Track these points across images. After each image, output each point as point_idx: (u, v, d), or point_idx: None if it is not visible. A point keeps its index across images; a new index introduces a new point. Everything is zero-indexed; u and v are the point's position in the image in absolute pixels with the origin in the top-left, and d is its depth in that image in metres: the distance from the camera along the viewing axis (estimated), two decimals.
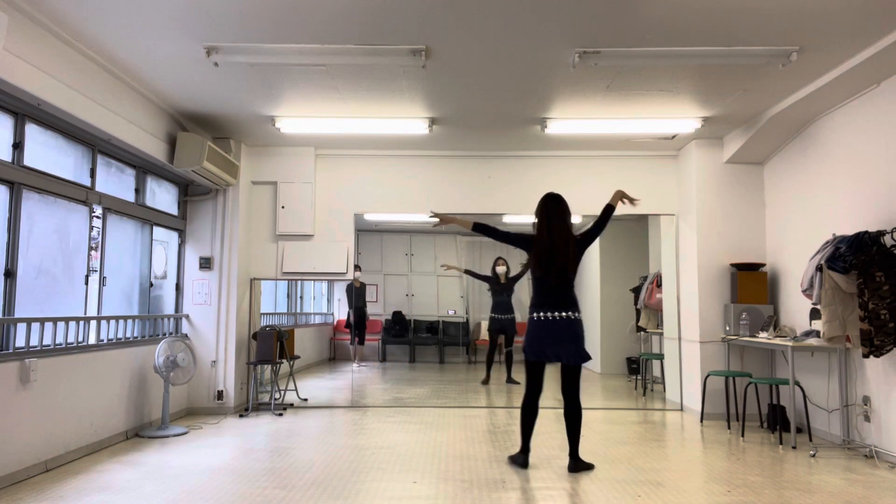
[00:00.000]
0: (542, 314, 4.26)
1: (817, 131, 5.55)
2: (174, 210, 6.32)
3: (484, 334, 12.04)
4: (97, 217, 5.05)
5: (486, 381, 8.83)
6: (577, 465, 4.28)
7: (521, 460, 4.35)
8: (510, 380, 8.87)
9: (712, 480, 4.08)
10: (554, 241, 4.26)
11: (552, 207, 4.36)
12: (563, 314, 4.23)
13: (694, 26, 4.00)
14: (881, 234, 4.52)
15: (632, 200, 4.54)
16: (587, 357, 4.28)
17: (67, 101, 4.20)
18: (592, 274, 10.53)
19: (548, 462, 4.50)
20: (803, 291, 4.98)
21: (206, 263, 6.45)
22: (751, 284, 6.18)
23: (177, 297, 6.37)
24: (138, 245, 5.74)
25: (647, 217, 8.57)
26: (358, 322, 11.04)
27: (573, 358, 4.24)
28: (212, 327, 6.39)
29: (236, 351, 6.41)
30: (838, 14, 3.84)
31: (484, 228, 4.46)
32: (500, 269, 8.79)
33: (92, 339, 4.95)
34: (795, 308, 5.87)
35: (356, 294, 11.04)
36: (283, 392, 7.27)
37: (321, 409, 6.74)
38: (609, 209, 4.49)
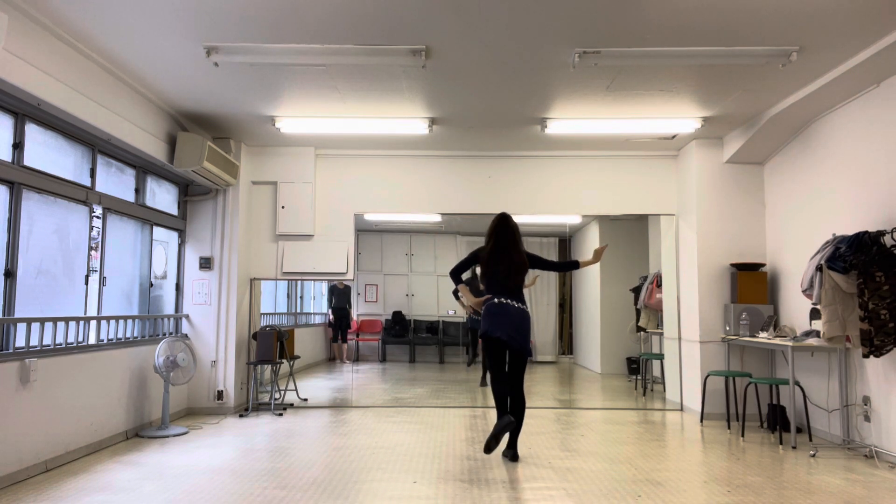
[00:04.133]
0: (496, 299, 4.57)
1: (817, 131, 5.55)
2: (174, 210, 6.32)
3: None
4: (97, 217, 5.05)
5: (484, 383, 8.84)
6: (516, 455, 4.54)
7: (505, 421, 4.33)
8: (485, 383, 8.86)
9: (712, 480, 4.09)
10: (495, 252, 4.62)
11: (504, 225, 4.71)
12: (516, 303, 4.57)
13: (694, 26, 4.00)
14: (881, 234, 4.52)
15: (598, 258, 5.00)
16: (530, 350, 4.67)
17: (67, 101, 4.20)
18: (592, 274, 10.53)
19: (548, 462, 4.50)
20: (803, 291, 4.98)
21: (206, 263, 6.45)
22: (751, 284, 6.17)
23: (177, 297, 6.37)
24: (138, 245, 5.75)
25: (647, 217, 8.57)
26: (339, 322, 11.22)
27: (519, 343, 4.51)
28: (212, 327, 6.39)
29: (236, 351, 6.41)
30: (838, 14, 3.85)
31: (458, 273, 4.80)
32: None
33: (92, 339, 4.95)
34: (795, 308, 5.87)
35: (338, 295, 11.23)
36: (283, 392, 7.27)
37: (321, 409, 6.74)
38: (574, 265, 4.99)
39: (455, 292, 9.40)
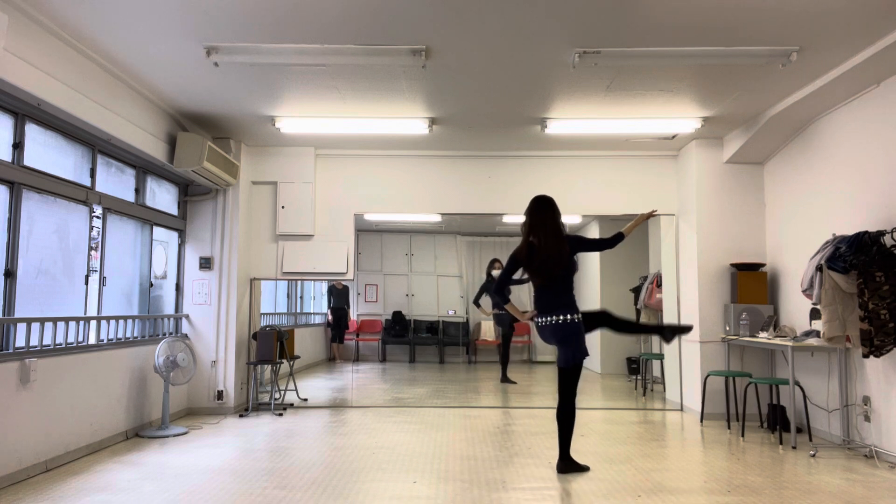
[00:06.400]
0: (539, 319, 4.28)
1: (817, 131, 5.55)
2: (174, 210, 6.32)
3: (484, 334, 12.05)
4: (97, 217, 5.05)
5: (505, 379, 8.90)
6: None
7: (578, 467, 4.25)
8: (505, 379, 8.91)
9: (712, 480, 4.08)
10: (533, 244, 4.25)
11: (535, 210, 4.35)
12: (550, 319, 4.20)
13: (694, 26, 4.00)
14: (881, 234, 4.52)
15: (650, 215, 4.61)
16: (578, 357, 4.18)
17: (67, 101, 4.20)
18: (592, 274, 10.53)
19: (548, 462, 4.49)
20: (803, 291, 4.98)
21: (206, 263, 6.45)
22: (751, 284, 6.17)
23: (177, 297, 6.37)
24: (138, 245, 5.75)
25: None
26: (338, 322, 11.27)
27: (562, 360, 4.23)
28: (212, 327, 6.39)
29: (236, 351, 6.41)
30: (838, 14, 3.84)
31: (501, 289, 4.52)
32: (496, 272, 8.85)
33: (92, 339, 4.95)
34: (795, 308, 5.87)
35: (337, 295, 11.28)
36: (283, 392, 7.27)
37: (321, 409, 6.74)
38: (620, 237, 4.37)
39: (476, 300, 9.49)
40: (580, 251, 4.38)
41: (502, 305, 4.44)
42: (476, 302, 9.58)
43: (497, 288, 4.50)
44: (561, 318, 4.18)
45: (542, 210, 4.32)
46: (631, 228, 4.46)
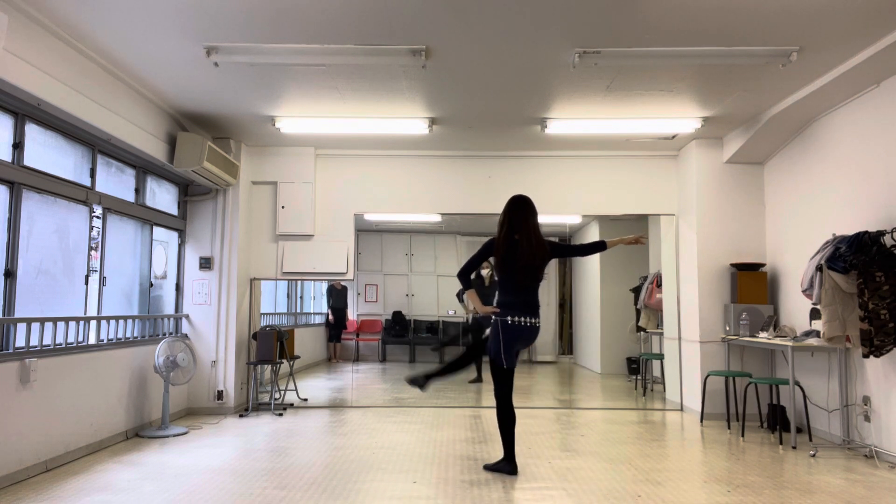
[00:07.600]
0: (518, 319, 4.16)
1: (817, 131, 5.55)
2: (174, 210, 6.32)
3: (484, 334, 12.04)
4: (97, 217, 5.05)
5: (479, 379, 8.92)
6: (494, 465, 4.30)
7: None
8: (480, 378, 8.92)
9: (712, 480, 4.08)
10: (517, 241, 4.17)
11: (517, 208, 4.24)
12: (534, 321, 4.21)
13: (694, 26, 4.00)
14: (881, 234, 4.52)
15: (637, 240, 4.51)
16: (515, 362, 4.35)
17: (67, 101, 4.20)
18: (592, 274, 10.53)
19: (548, 462, 4.50)
20: (803, 291, 4.98)
21: (206, 263, 6.45)
22: (751, 284, 6.17)
23: (177, 297, 6.37)
24: (138, 245, 5.75)
25: (647, 217, 8.57)
26: (337, 322, 11.31)
27: (512, 361, 4.27)
28: (212, 327, 6.39)
29: (236, 351, 6.41)
30: (838, 14, 3.85)
31: (467, 273, 4.30)
32: (486, 272, 8.86)
33: (92, 339, 4.95)
34: (795, 308, 5.87)
35: (336, 295, 11.31)
36: (283, 392, 7.27)
37: (321, 409, 6.74)
38: (601, 246, 4.37)
39: (459, 294, 9.43)
40: (556, 256, 4.38)
41: (461, 294, 4.41)
42: (459, 296, 9.51)
43: (462, 271, 4.25)
44: (538, 321, 4.25)
45: (524, 210, 4.24)
46: (614, 243, 4.45)
